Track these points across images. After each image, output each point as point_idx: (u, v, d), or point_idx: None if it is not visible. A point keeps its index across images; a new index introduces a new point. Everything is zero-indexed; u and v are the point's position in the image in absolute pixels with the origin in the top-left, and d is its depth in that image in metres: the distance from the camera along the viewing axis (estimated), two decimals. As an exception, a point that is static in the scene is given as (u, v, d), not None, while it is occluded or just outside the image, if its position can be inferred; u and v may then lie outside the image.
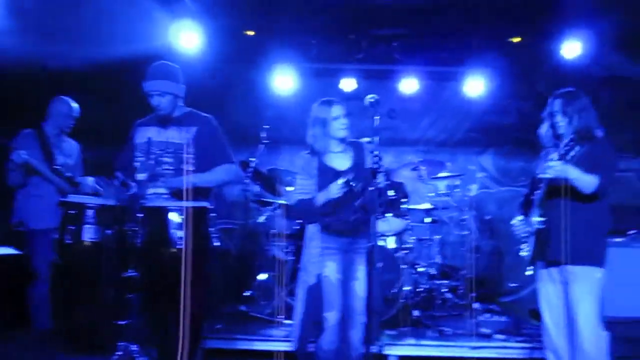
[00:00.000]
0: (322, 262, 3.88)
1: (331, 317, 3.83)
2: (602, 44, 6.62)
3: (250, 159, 5.78)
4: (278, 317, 5.40)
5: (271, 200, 6.27)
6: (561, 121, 3.88)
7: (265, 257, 6.19)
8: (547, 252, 3.85)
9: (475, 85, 7.10)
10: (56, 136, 5.30)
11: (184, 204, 3.70)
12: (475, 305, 5.80)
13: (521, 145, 7.55)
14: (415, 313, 5.54)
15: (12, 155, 4.86)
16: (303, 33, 6.94)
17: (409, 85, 7.20)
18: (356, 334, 3.84)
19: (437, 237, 6.30)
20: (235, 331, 5.07)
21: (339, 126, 3.94)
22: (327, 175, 3.89)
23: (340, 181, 3.70)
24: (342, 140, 3.99)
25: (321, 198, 3.83)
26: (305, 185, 3.99)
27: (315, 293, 3.86)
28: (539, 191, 3.84)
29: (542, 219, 3.85)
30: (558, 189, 3.71)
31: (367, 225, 3.75)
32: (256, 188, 6.04)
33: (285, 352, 4.84)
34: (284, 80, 7.08)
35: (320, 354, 3.93)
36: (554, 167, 3.55)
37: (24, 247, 5.05)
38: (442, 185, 6.61)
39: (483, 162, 7.65)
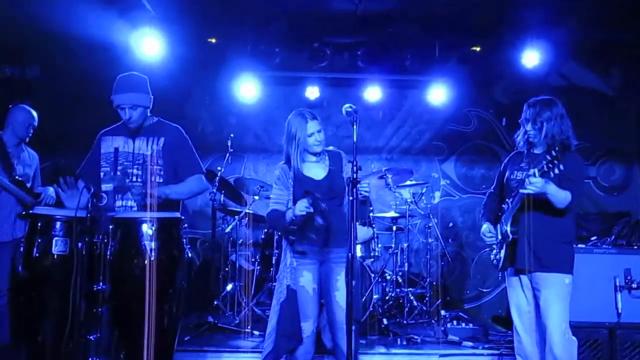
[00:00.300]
0: (298, 272, 3.85)
1: (307, 327, 3.80)
2: (559, 54, 6.79)
3: (218, 167, 5.71)
4: (246, 328, 5.35)
5: (237, 210, 6.21)
6: (531, 129, 3.93)
7: (231, 267, 6.12)
8: (519, 261, 3.88)
9: (438, 94, 7.18)
10: (15, 146, 5.10)
11: (156, 215, 3.62)
12: (443, 313, 5.85)
13: (482, 152, 7.69)
14: (384, 321, 5.54)
15: None
16: (266, 41, 6.91)
17: (373, 93, 7.23)
18: (343, 345, 3.80)
19: (405, 244, 6.32)
20: (203, 343, 4.99)
21: (315, 142, 3.90)
22: (303, 184, 3.86)
23: (304, 203, 3.67)
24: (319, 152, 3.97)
25: (289, 214, 3.80)
26: (280, 195, 3.96)
27: (290, 304, 3.82)
28: (510, 200, 3.89)
29: (514, 228, 3.89)
30: (532, 201, 3.76)
31: (344, 235, 3.76)
32: (221, 197, 5.96)
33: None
34: (247, 88, 7.02)
35: None
36: (534, 183, 3.57)
37: None
38: (407, 193, 6.64)
39: (445, 170, 7.71)
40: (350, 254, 3.26)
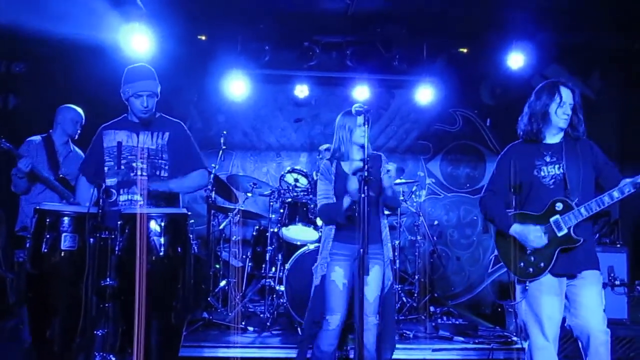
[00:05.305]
0: (330, 267, 3.93)
1: (333, 320, 3.88)
2: (542, 57, 6.95)
3: (212, 165, 5.73)
4: (241, 324, 5.38)
5: (228, 207, 6.23)
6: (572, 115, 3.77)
7: (223, 264, 6.13)
8: (579, 264, 3.66)
9: (425, 94, 7.26)
10: (64, 144, 5.21)
11: (164, 210, 3.64)
12: (432, 309, 5.94)
13: (467, 152, 7.83)
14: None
15: (19, 163, 4.76)
16: (256, 39, 6.95)
17: (361, 92, 7.28)
18: (370, 337, 3.86)
19: (397, 242, 6.37)
20: (200, 339, 5.00)
21: (361, 134, 3.88)
22: (343, 179, 3.92)
23: (355, 180, 3.67)
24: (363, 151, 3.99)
25: (346, 201, 3.83)
26: (327, 190, 4.04)
27: (323, 291, 3.93)
28: (574, 202, 3.64)
29: (577, 230, 3.66)
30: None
31: (377, 232, 3.92)
32: (212, 194, 5.97)
33: (250, 359, 4.86)
34: (236, 86, 7.02)
35: (318, 354, 3.95)
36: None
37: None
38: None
39: (431, 169, 7.82)
40: (362, 250, 3.32)
